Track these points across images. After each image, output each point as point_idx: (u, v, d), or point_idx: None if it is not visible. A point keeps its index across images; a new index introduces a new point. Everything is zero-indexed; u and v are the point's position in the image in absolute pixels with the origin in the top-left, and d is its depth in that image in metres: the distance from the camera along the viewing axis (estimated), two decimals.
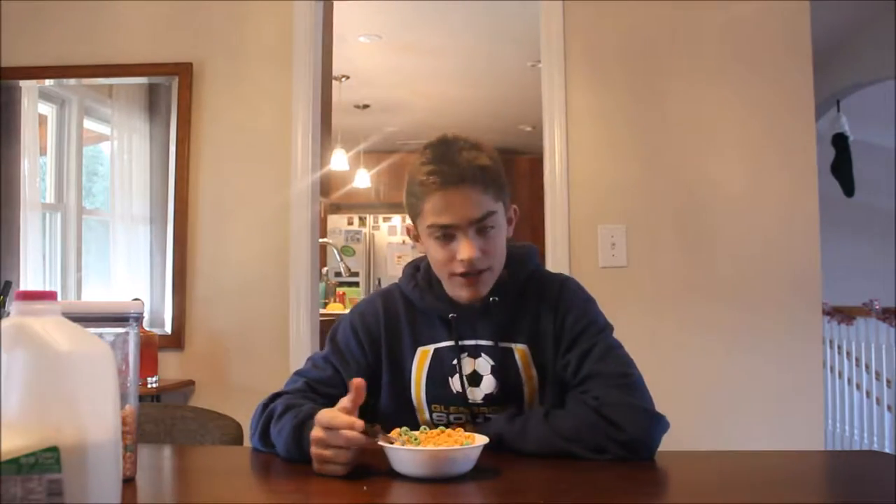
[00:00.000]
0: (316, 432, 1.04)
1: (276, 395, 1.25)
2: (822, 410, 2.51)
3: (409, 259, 1.44)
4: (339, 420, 1.01)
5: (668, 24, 2.60)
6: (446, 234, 1.22)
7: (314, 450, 1.04)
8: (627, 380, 1.20)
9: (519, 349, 1.28)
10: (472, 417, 1.27)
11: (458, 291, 1.26)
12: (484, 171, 1.21)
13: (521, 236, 1.37)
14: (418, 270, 1.36)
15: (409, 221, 1.33)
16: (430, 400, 1.28)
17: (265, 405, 1.23)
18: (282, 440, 1.13)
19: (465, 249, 1.20)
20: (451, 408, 1.27)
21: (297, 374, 1.32)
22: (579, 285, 1.35)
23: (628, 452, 1.12)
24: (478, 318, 1.29)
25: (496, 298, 1.29)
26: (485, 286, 1.26)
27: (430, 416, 1.28)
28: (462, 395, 1.26)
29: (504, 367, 1.27)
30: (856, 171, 4.82)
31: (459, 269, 1.22)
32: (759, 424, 2.45)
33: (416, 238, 1.32)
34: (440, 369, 1.28)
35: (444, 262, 1.24)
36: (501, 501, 0.98)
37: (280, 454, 1.14)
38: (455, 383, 1.27)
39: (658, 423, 1.15)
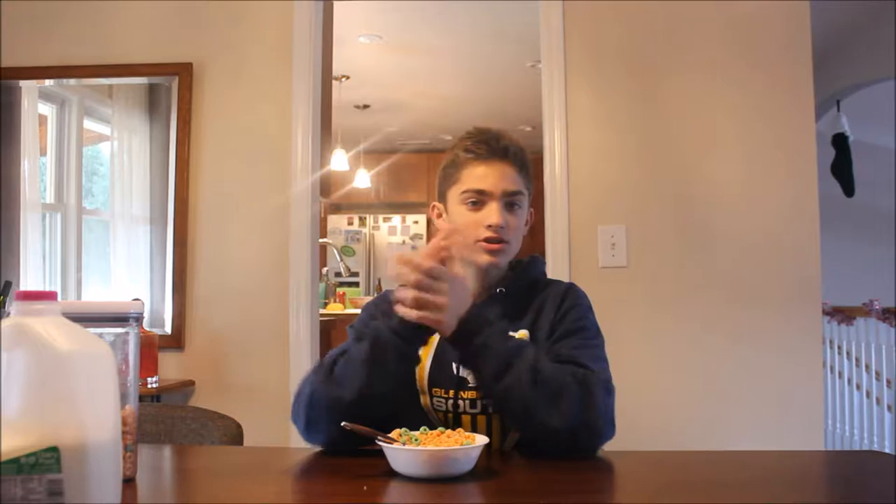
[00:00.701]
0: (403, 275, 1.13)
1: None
2: (822, 410, 2.51)
3: None
4: (420, 253, 1.14)
5: (668, 24, 2.60)
6: (478, 201, 1.34)
7: (410, 296, 1.12)
8: (608, 385, 1.21)
9: (520, 333, 1.32)
10: (470, 404, 1.29)
11: (478, 257, 1.33)
12: (523, 154, 1.38)
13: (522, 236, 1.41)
14: None
15: (434, 202, 1.43)
16: (431, 384, 1.31)
17: (316, 367, 1.24)
18: (362, 352, 1.17)
19: (494, 215, 1.32)
20: (451, 392, 1.30)
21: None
22: (584, 293, 1.41)
23: (586, 422, 1.13)
24: (484, 308, 1.32)
25: (503, 290, 1.37)
26: (503, 256, 1.35)
27: (431, 401, 1.31)
28: (463, 380, 1.30)
29: None
30: (856, 171, 4.82)
31: (485, 234, 1.32)
32: (759, 424, 2.44)
33: (438, 215, 1.42)
34: (444, 356, 1.31)
35: (469, 227, 1.33)
36: (501, 501, 0.98)
37: (357, 379, 1.15)
38: (456, 368, 1.30)
39: (609, 434, 1.17)
